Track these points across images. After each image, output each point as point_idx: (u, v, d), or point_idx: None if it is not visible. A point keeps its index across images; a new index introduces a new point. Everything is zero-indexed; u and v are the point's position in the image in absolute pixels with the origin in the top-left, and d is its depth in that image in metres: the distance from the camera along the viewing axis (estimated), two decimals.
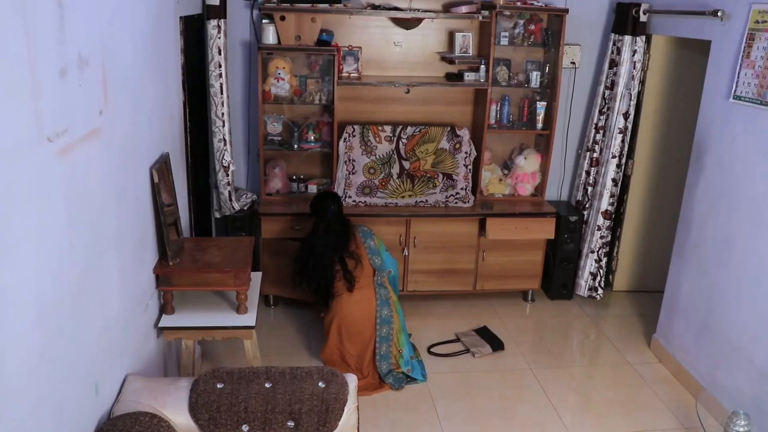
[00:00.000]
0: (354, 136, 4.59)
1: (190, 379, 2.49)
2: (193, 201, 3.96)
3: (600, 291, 4.86)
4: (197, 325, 3.01)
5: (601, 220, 4.73)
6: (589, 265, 4.81)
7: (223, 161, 4.24)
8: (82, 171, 2.03)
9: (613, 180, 4.64)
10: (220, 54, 4.04)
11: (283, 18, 4.24)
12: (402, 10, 4.46)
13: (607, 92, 4.60)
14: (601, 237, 4.76)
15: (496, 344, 4.23)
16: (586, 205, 4.82)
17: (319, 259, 3.87)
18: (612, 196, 4.68)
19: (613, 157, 4.60)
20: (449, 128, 4.70)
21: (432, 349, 4.16)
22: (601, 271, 4.84)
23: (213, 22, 3.98)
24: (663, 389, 3.87)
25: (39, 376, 1.75)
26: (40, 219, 1.75)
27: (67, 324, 1.94)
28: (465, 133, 4.70)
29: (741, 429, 2.74)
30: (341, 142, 4.55)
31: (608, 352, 4.30)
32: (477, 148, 4.70)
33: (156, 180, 2.83)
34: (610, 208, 4.71)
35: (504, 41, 4.53)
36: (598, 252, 4.78)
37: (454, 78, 4.63)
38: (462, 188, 4.69)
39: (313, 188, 4.68)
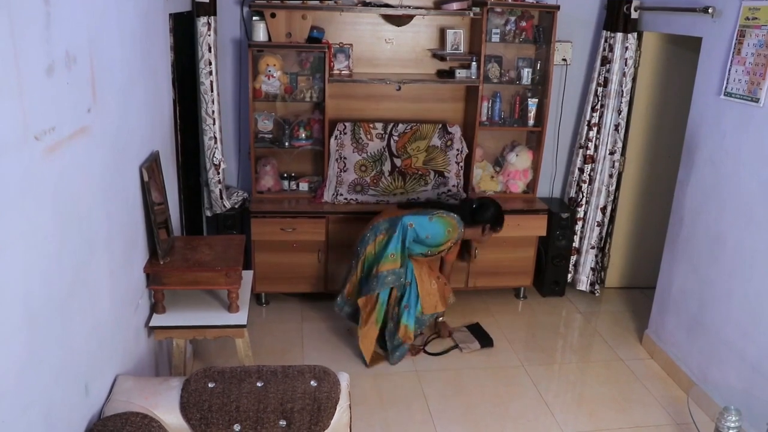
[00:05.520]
0: (345, 133, 4.57)
1: (182, 378, 2.47)
2: (184, 199, 3.93)
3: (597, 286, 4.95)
4: (188, 325, 2.99)
5: (599, 217, 4.76)
6: (589, 260, 4.85)
7: (214, 159, 4.22)
8: (71, 170, 2.01)
9: (609, 176, 4.67)
10: (210, 51, 4.02)
11: (273, 15, 4.22)
12: (393, 7, 4.44)
13: (600, 89, 4.60)
14: (599, 233, 4.79)
15: (486, 341, 4.23)
16: (581, 202, 4.83)
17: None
18: (608, 193, 4.70)
19: (610, 153, 4.61)
20: (441, 125, 4.69)
21: (425, 348, 4.16)
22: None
23: (203, 20, 3.96)
24: (655, 385, 3.88)
25: (28, 377, 1.73)
26: (28, 219, 1.73)
27: (57, 324, 1.92)
28: (456, 131, 4.69)
29: (732, 425, 2.74)
30: (332, 140, 4.53)
31: (600, 348, 4.31)
32: (468, 145, 4.69)
33: (146, 178, 2.81)
34: (606, 204, 4.74)
35: (495, 38, 4.53)
36: (596, 248, 4.82)
37: (446, 75, 4.62)
38: (453, 185, 4.69)
39: (304, 186, 4.67)
